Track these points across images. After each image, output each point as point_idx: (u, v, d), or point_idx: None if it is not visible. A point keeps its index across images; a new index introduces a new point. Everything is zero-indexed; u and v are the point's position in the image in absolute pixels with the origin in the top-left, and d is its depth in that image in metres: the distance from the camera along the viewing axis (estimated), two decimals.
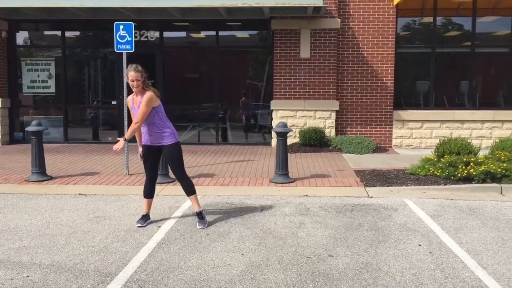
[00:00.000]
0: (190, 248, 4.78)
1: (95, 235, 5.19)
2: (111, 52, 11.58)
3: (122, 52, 8.29)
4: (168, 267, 4.32)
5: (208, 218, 5.78)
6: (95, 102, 12.71)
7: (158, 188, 7.33)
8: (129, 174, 8.26)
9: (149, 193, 5.64)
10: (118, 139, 5.54)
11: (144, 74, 5.31)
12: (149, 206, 5.68)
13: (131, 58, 11.15)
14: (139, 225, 5.50)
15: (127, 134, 5.40)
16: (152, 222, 5.65)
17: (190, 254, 4.63)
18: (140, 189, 7.31)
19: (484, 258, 4.55)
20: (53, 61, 12.34)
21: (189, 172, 8.46)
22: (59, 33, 12.31)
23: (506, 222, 5.73)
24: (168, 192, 7.12)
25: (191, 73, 12.86)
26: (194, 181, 7.74)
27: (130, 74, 5.20)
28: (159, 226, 5.49)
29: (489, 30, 11.79)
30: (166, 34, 12.14)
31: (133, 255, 4.60)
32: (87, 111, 12.70)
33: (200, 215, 5.54)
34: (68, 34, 12.36)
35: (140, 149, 5.54)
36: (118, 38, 8.15)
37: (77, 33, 12.66)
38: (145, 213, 5.66)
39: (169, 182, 7.63)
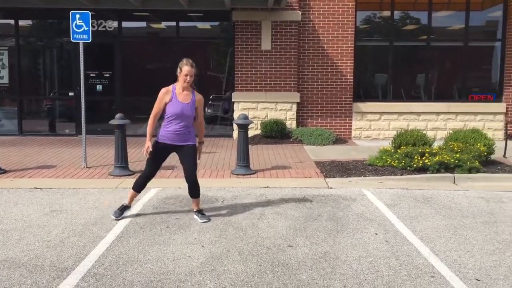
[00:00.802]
0: (149, 241, 4.74)
1: (51, 230, 5.07)
2: (67, 42, 11.23)
3: (78, 42, 8.07)
4: (126, 260, 4.27)
5: (168, 211, 5.74)
6: (51, 94, 12.34)
7: (117, 180, 7.25)
8: (87, 167, 8.09)
9: (141, 187, 5.51)
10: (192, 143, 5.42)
11: (195, 70, 5.32)
12: (133, 199, 5.58)
13: (89, 48, 10.94)
14: (115, 217, 5.37)
15: (202, 136, 5.65)
16: (111, 215, 5.56)
17: (150, 247, 4.60)
18: (99, 182, 7.20)
19: (437, 245, 4.72)
20: (6, 51, 11.88)
21: None
22: (12, 21, 11.86)
23: (458, 210, 5.95)
24: (128, 185, 7.00)
25: (152, 64, 12.66)
26: None
27: (187, 69, 5.20)
28: (118, 220, 5.41)
29: (444, 25, 12.14)
30: (125, 24, 11.89)
31: (90, 249, 4.53)
32: (43, 102, 12.33)
33: (201, 212, 5.48)
34: (22, 23, 11.93)
35: (149, 144, 5.32)
36: (74, 28, 7.93)
37: (32, 22, 12.24)
38: (127, 204, 5.53)
39: (128, 175, 7.53)
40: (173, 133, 5.31)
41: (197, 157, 5.53)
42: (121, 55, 11.83)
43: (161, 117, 5.47)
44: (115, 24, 11.75)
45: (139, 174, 5.88)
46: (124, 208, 5.53)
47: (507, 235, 5.03)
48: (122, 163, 7.56)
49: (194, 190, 5.48)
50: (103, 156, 9.10)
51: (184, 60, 5.28)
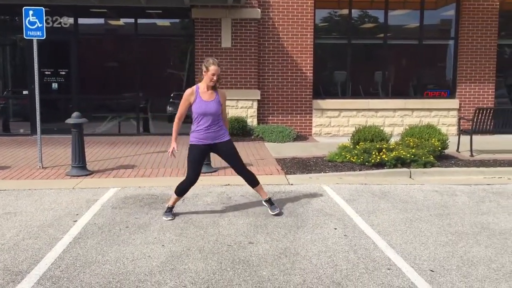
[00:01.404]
0: (108, 242, 4.67)
1: (5, 232, 4.91)
2: (21, 39, 10.89)
3: (32, 39, 7.83)
4: (84, 262, 4.19)
5: (128, 211, 5.67)
6: (5, 92, 11.92)
7: (75, 180, 7.08)
8: (43, 167, 7.87)
9: (184, 192, 5.45)
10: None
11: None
12: (176, 202, 5.54)
13: (44, 45, 10.65)
14: (169, 218, 5.36)
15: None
16: (68, 216, 5.43)
17: (108, 247, 4.52)
18: (56, 182, 7.01)
19: (394, 238, 4.85)
20: None
21: (109, 164, 8.25)
22: None
23: (413, 204, 6.13)
24: (86, 185, 6.88)
25: (110, 62, 12.42)
26: (113, 173, 7.58)
27: (214, 69, 5.18)
28: (75, 221, 5.30)
29: (400, 23, 12.45)
30: (82, 20, 11.60)
31: (46, 251, 4.41)
32: None
33: (269, 202, 5.57)
34: None
35: (175, 145, 5.40)
36: (27, 24, 7.69)
37: None
38: (172, 206, 5.50)
39: (86, 175, 7.37)
40: (205, 133, 5.31)
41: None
42: (77, 52, 11.55)
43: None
44: (70, 20, 11.46)
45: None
46: (170, 209, 5.49)
47: (460, 227, 5.22)
48: (79, 163, 7.40)
49: (250, 180, 5.58)
50: (59, 156, 8.87)
51: (211, 60, 5.27)
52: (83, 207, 5.83)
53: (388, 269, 4.10)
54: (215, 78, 5.22)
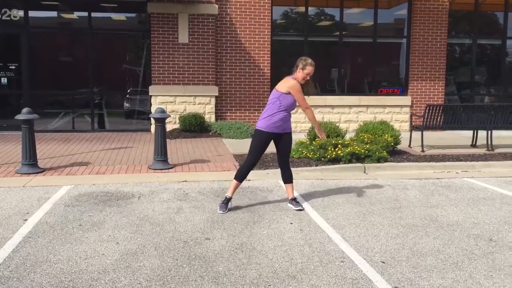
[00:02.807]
0: (60, 241, 4.56)
1: None
2: None
3: None
4: (35, 261, 4.07)
5: (81, 208, 5.55)
6: None
7: (25, 178, 6.86)
8: None
9: (244, 176, 5.62)
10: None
11: None
12: (236, 189, 5.65)
13: None
14: (222, 211, 5.46)
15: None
16: (18, 215, 5.27)
17: (60, 246, 4.42)
18: (5, 180, 6.76)
19: (347, 232, 4.96)
20: None
21: (62, 161, 8.04)
22: None
23: (367, 198, 6.29)
24: (37, 183, 6.68)
25: (64, 56, 12.09)
26: (66, 170, 7.39)
27: (311, 69, 5.47)
28: (26, 220, 5.14)
29: (355, 21, 12.71)
30: (33, 13, 11.23)
31: None
32: None
33: (295, 201, 5.75)
34: None
35: (324, 135, 5.87)
36: None
37: None
38: (230, 196, 5.60)
39: (37, 173, 7.16)
40: (280, 122, 5.47)
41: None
42: (28, 46, 11.17)
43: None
44: (20, 13, 11.06)
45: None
46: (227, 201, 5.57)
47: (410, 219, 5.41)
48: (30, 160, 7.17)
49: (287, 175, 5.76)
50: (9, 153, 8.57)
51: (310, 60, 5.50)
52: (34, 205, 5.66)
53: (342, 261, 4.20)
54: (308, 77, 5.48)
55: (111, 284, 3.69)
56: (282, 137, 5.60)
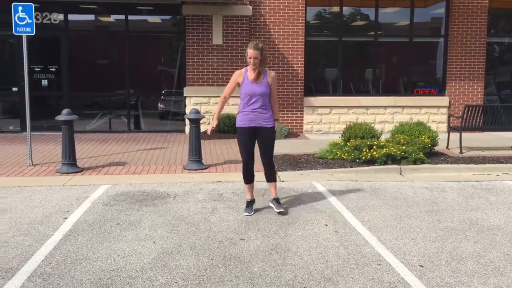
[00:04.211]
0: (99, 239, 4.66)
1: None
2: (11, 35, 10.80)
3: (22, 35, 7.77)
4: (75, 258, 4.18)
5: (119, 208, 5.66)
6: None
7: (65, 178, 7.05)
8: (33, 165, 7.82)
9: (249, 178, 5.57)
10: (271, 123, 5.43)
11: (264, 51, 5.35)
12: (252, 190, 5.63)
13: (33, 42, 10.57)
14: (247, 214, 5.44)
15: (276, 113, 5.53)
16: (59, 213, 5.41)
17: (99, 244, 4.51)
18: (46, 179, 6.98)
19: (384, 234, 4.88)
20: None
21: (100, 161, 8.22)
22: None
23: (403, 200, 6.17)
24: (76, 182, 6.85)
25: (101, 58, 12.36)
26: (104, 170, 7.55)
27: (250, 52, 5.23)
28: (66, 218, 5.28)
29: (390, 21, 12.50)
30: (72, 17, 11.54)
31: (37, 248, 4.39)
32: None
33: (277, 201, 5.61)
34: None
35: (215, 123, 5.53)
36: (17, 20, 7.62)
37: None
38: (250, 199, 5.60)
39: (76, 172, 7.34)
40: (249, 113, 5.35)
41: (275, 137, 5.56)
42: (68, 48, 11.48)
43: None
44: (60, 16, 11.38)
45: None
46: (248, 203, 5.58)
47: (449, 223, 5.28)
48: (70, 160, 7.36)
49: (270, 173, 5.60)
50: (50, 153, 8.82)
51: (249, 43, 5.35)
52: (74, 204, 5.81)
53: (378, 264, 4.14)
54: (252, 61, 5.25)
55: (149, 282, 3.75)
56: (261, 132, 5.41)
